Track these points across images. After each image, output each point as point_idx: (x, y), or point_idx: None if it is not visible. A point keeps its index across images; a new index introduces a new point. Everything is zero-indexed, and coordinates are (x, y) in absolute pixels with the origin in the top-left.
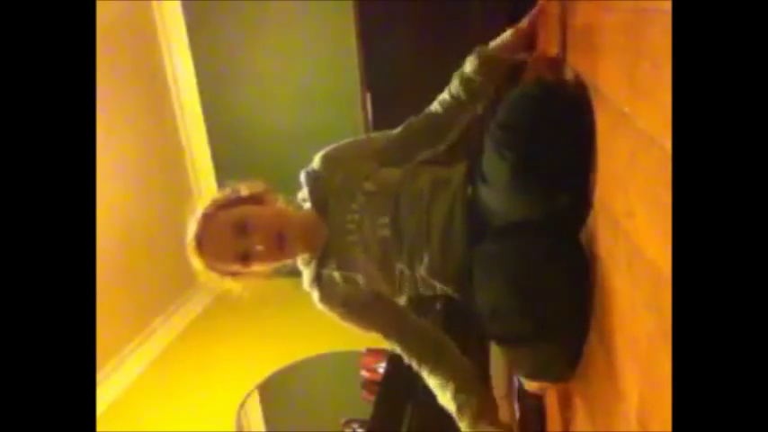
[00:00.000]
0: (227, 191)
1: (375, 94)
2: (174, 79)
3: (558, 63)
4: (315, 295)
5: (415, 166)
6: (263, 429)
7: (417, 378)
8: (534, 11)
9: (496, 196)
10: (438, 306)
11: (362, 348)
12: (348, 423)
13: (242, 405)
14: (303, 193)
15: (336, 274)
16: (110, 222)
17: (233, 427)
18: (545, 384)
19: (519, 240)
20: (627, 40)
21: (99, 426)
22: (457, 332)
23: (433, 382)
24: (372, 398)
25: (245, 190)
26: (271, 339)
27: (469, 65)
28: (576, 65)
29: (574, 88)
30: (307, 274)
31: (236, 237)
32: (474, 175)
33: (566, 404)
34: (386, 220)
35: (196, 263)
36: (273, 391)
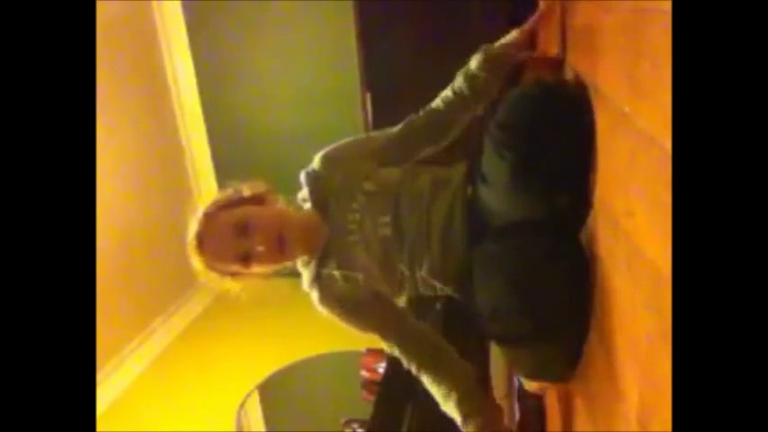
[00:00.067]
0: (229, 191)
1: (375, 94)
2: (174, 79)
3: (558, 63)
4: (314, 296)
5: (414, 167)
6: (263, 429)
7: (417, 379)
8: (539, 13)
9: (496, 196)
10: (438, 306)
11: (362, 348)
12: (348, 423)
13: (242, 405)
14: (303, 193)
15: (337, 274)
16: (110, 222)
17: (233, 427)
18: (545, 384)
19: (519, 240)
20: (627, 41)
21: (99, 426)
22: (457, 332)
23: (435, 389)
24: (372, 398)
25: (246, 190)
26: (271, 339)
27: (475, 62)
28: (576, 65)
29: (574, 88)
30: (306, 275)
31: (236, 237)
32: (474, 176)
33: (566, 404)
34: (387, 219)
35: (196, 262)
36: (273, 391)
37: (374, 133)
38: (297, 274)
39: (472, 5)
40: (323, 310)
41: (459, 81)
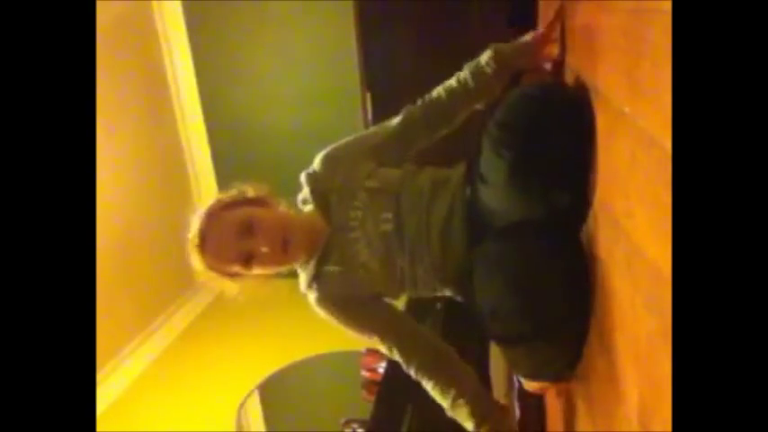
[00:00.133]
0: (233, 191)
1: (375, 94)
2: (174, 79)
3: (557, 65)
4: (312, 297)
5: (414, 167)
6: (263, 429)
7: (417, 380)
8: (553, 19)
9: (495, 195)
10: (438, 306)
11: (362, 348)
12: (348, 423)
13: (242, 405)
14: (304, 194)
15: (336, 272)
16: (110, 222)
17: (233, 427)
18: (545, 384)
19: (519, 240)
20: (627, 41)
21: (99, 426)
22: (457, 332)
23: (438, 394)
24: (372, 398)
25: (250, 192)
26: (271, 339)
27: (484, 57)
28: (576, 65)
29: (573, 90)
30: (304, 276)
31: (240, 237)
32: (473, 176)
33: (566, 404)
34: (389, 215)
35: (196, 261)
36: (273, 391)
37: (373, 128)
38: (296, 275)
39: (471, 6)
40: (320, 311)
41: (464, 72)
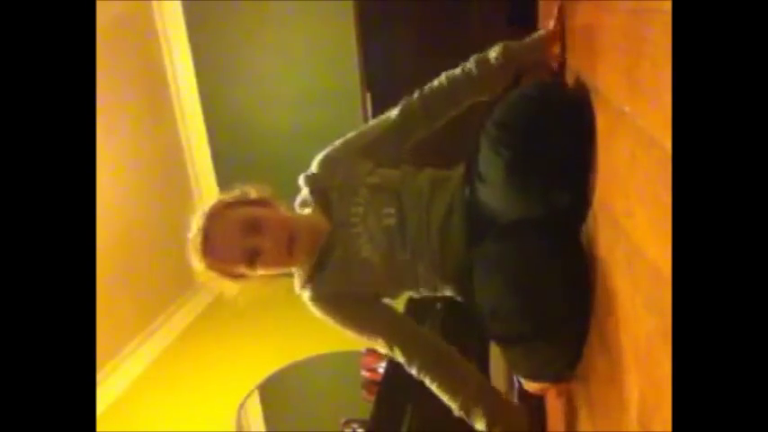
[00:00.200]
0: (236, 192)
1: (375, 94)
2: (174, 79)
3: (561, 66)
4: (306, 296)
5: (413, 168)
6: (263, 429)
7: (417, 379)
8: (556, 12)
9: (494, 194)
10: (438, 306)
11: (362, 348)
12: (348, 423)
13: (242, 405)
14: (302, 196)
15: (336, 270)
16: (110, 222)
17: (233, 427)
18: (545, 385)
19: (519, 240)
20: (627, 41)
21: (99, 426)
22: (457, 332)
23: (445, 396)
24: (372, 398)
25: (253, 193)
26: (271, 339)
27: (493, 52)
28: (576, 65)
29: (573, 90)
30: (298, 278)
31: (245, 235)
32: (471, 176)
33: (566, 404)
34: (391, 210)
35: (197, 260)
36: (273, 391)
37: (370, 122)
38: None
39: (471, 6)
40: (316, 311)
41: (470, 63)
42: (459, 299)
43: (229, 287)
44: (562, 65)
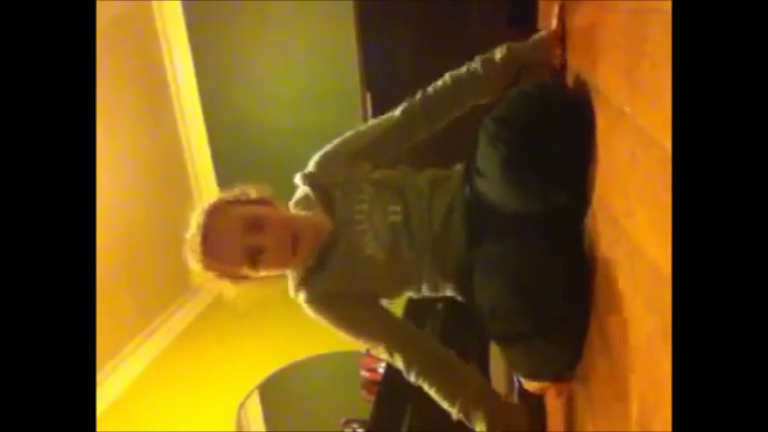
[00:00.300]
0: (236, 190)
1: (375, 94)
2: (173, 79)
3: (564, 66)
4: (302, 297)
5: (411, 170)
6: (263, 429)
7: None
8: (557, 11)
9: (492, 188)
10: (439, 306)
11: (362, 348)
12: (348, 423)
13: (242, 405)
14: (299, 194)
15: (337, 269)
16: (110, 222)
17: (233, 427)
18: (545, 384)
19: (519, 239)
20: (627, 41)
21: (99, 426)
22: (457, 332)
23: (443, 400)
24: (372, 398)
25: (253, 192)
26: (271, 339)
27: (498, 52)
28: (577, 65)
29: (573, 90)
30: (293, 279)
31: (247, 232)
32: (471, 175)
33: (566, 404)
34: (397, 208)
35: (195, 260)
36: (273, 391)
37: (370, 122)
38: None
39: (471, 6)
40: (312, 312)
41: (475, 62)
42: (459, 298)
43: (227, 289)
44: (563, 65)
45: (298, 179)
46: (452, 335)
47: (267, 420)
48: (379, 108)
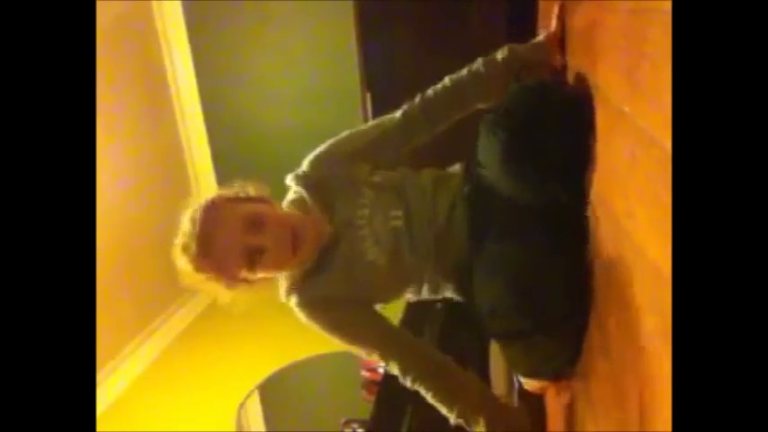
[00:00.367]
0: (235, 188)
1: (375, 94)
2: (174, 79)
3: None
4: (294, 300)
5: (410, 170)
6: (263, 429)
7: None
8: (557, 11)
9: (492, 176)
10: (439, 306)
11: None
12: (348, 423)
13: (242, 405)
14: (291, 196)
15: (340, 271)
16: (110, 222)
17: (233, 427)
18: (545, 384)
19: (519, 239)
20: (627, 41)
21: (99, 426)
22: (457, 332)
23: (441, 406)
24: (372, 398)
25: (252, 190)
26: (271, 339)
27: (499, 53)
28: (577, 65)
29: (574, 87)
30: (285, 279)
31: (247, 231)
32: (470, 173)
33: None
34: (398, 212)
35: (187, 259)
36: (273, 391)
37: (370, 124)
38: None
39: (471, 6)
40: (305, 316)
41: (477, 63)
42: (458, 299)
43: (217, 292)
44: (564, 66)
45: (290, 180)
46: (452, 335)
47: (267, 420)
48: (379, 108)
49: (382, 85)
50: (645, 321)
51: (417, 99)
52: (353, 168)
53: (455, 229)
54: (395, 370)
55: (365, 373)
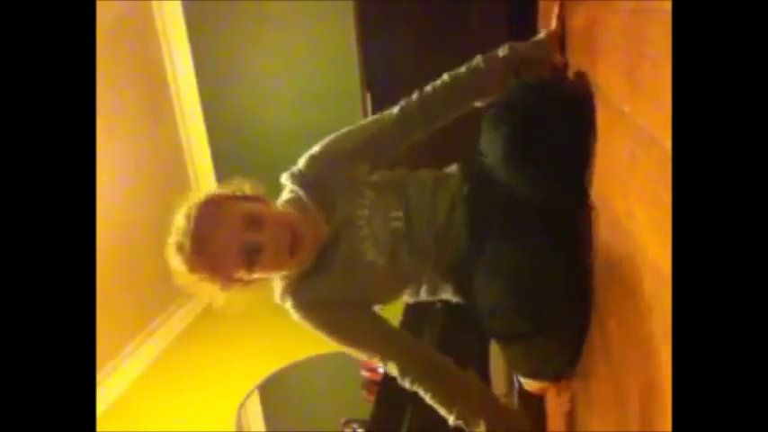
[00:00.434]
0: (232, 185)
1: (375, 94)
2: (173, 79)
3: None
4: (290, 302)
5: (408, 171)
6: (263, 429)
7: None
8: (557, 11)
9: (494, 167)
10: (438, 305)
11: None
12: (348, 423)
13: (242, 405)
14: (287, 195)
15: (339, 272)
16: (110, 222)
17: (233, 427)
18: (545, 384)
19: (519, 239)
20: (627, 41)
21: (99, 426)
22: (457, 332)
23: (440, 407)
24: (372, 398)
25: (248, 189)
26: (271, 339)
27: (500, 50)
28: (577, 65)
29: (575, 84)
30: (282, 280)
31: (245, 229)
32: (469, 174)
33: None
34: (399, 213)
35: (181, 258)
36: (273, 391)
37: (367, 121)
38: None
39: (471, 6)
40: (302, 318)
41: (477, 59)
42: (457, 300)
43: (210, 293)
44: (565, 64)
45: (285, 178)
46: (452, 336)
47: (267, 420)
48: (379, 108)
49: (382, 85)
50: (645, 322)
51: (415, 95)
52: (352, 167)
53: (455, 228)
54: (393, 371)
55: (365, 373)
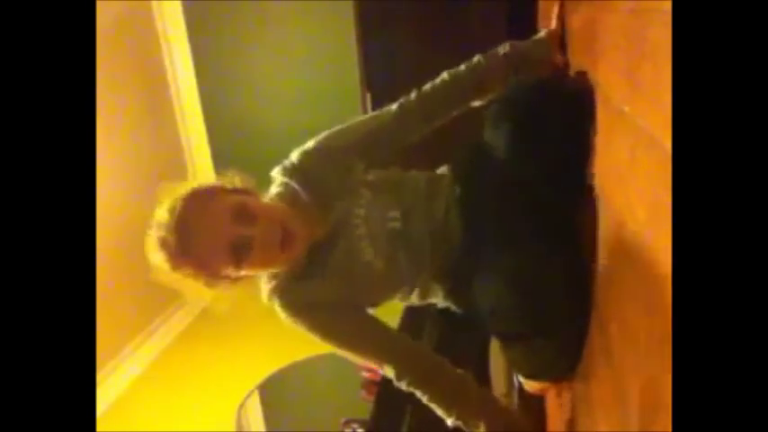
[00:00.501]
0: (223, 178)
1: (375, 94)
2: (174, 79)
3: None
4: (278, 302)
5: (401, 171)
6: (263, 429)
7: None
8: (557, 10)
9: (497, 165)
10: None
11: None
12: (348, 423)
13: (242, 405)
14: (278, 190)
15: (337, 272)
16: (110, 222)
17: (233, 427)
18: (545, 385)
19: (519, 241)
20: (627, 41)
21: (99, 426)
22: (456, 332)
23: (439, 409)
24: (372, 398)
25: (239, 181)
26: (270, 339)
27: (501, 48)
28: (577, 65)
29: (575, 82)
30: (272, 279)
31: (234, 223)
32: (459, 176)
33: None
34: (396, 214)
35: (164, 255)
36: (273, 391)
37: (364, 117)
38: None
39: (471, 6)
40: (292, 320)
41: (477, 57)
42: (446, 305)
43: (199, 291)
44: (566, 64)
45: (277, 172)
46: (451, 336)
47: (267, 420)
48: (379, 108)
49: (382, 85)
50: (645, 322)
51: (413, 95)
52: (347, 164)
53: (450, 230)
54: (390, 374)
55: (365, 374)
